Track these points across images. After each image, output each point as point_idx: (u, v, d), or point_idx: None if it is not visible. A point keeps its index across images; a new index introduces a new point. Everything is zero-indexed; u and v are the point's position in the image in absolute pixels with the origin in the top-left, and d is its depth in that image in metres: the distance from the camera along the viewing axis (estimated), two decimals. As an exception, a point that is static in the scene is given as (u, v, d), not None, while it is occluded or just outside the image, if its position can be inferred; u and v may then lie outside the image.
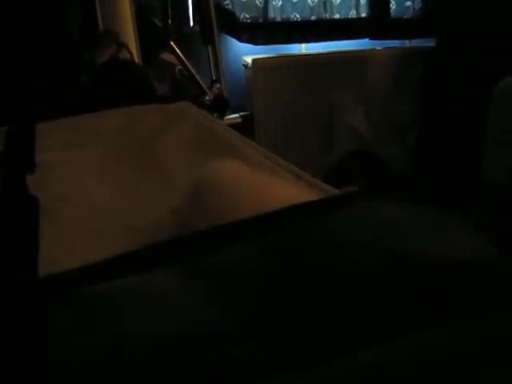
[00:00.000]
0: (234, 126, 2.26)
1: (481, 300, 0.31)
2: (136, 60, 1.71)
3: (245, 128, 2.33)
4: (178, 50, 2.02)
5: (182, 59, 2.03)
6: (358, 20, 2.57)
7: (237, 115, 2.31)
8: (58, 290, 0.35)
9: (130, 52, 1.66)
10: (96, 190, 0.72)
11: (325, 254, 0.35)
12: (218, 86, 2.15)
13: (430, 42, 2.53)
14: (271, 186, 0.55)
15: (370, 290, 0.32)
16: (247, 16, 2.36)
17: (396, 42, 2.72)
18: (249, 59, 2.40)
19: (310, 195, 0.53)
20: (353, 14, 2.56)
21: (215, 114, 2.21)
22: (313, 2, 2.46)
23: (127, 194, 0.71)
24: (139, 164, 0.81)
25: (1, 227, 0.51)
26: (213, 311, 0.34)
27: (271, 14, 2.39)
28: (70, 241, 0.55)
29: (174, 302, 0.36)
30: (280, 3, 2.39)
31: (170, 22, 2.12)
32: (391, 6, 2.65)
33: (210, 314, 0.34)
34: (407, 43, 2.79)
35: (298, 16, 2.44)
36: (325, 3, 2.48)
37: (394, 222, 0.39)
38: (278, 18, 2.41)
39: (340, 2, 2.52)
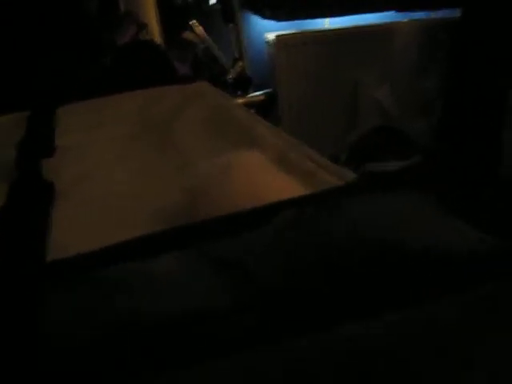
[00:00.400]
0: (257, 103, 2.27)
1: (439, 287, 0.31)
2: (157, 40, 1.71)
3: (269, 105, 2.33)
4: (199, 29, 2.02)
5: (203, 38, 2.03)
6: (383, -8, 2.52)
7: (260, 93, 2.30)
8: (63, 274, 0.36)
9: (150, 32, 1.67)
10: (113, 172, 0.73)
11: (309, 243, 0.36)
12: (241, 64, 2.15)
13: (456, 13, 2.47)
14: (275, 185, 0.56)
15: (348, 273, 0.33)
16: (269, -8, 2.34)
17: (422, 13, 2.67)
18: (272, 36, 2.38)
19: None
20: (377, -14, 2.51)
21: (239, 92, 2.22)
22: (336, -24, 2.41)
23: (144, 175, 0.72)
24: (156, 145, 0.82)
25: (13, 212, 0.53)
26: (214, 289, 0.35)
27: (293, -11, 2.36)
28: (84, 224, 0.56)
29: (177, 282, 0.37)
30: (302, -22, 2.36)
31: (190, 0, 2.12)
32: (417, -24, 2.59)
33: (211, 291, 0.35)
34: (433, 15, 2.73)
35: (320, -10, 2.40)
36: (348, -24, 2.44)
37: (374, 214, 0.39)
38: (301, -7, 2.38)
39: (364, -25, 2.48)
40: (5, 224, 0.51)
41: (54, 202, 0.59)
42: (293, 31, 2.41)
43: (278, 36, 2.36)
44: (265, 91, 2.33)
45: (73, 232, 0.52)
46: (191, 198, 0.62)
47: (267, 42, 2.41)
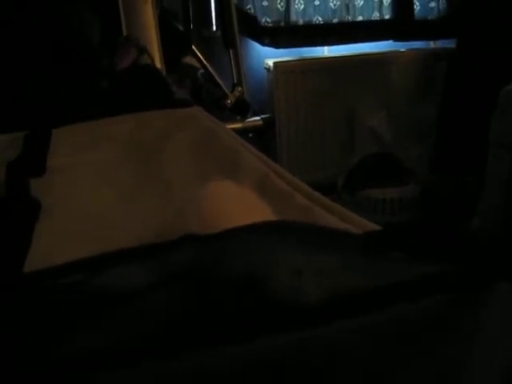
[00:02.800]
0: (255, 128, 2.30)
1: None
2: (158, 65, 1.75)
3: (266, 131, 2.36)
4: (199, 54, 2.07)
5: (203, 63, 2.08)
6: (381, 22, 2.58)
7: (258, 118, 2.34)
8: (36, 283, 0.39)
9: (151, 57, 1.70)
10: (97, 195, 0.76)
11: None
12: (240, 89, 2.19)
13: (453, 43, 2.52)
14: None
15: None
16: (269, 20, 2.40)
17: (420, 43, 2.72)
18: (271, 62, 2.43)
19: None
20: (376, 15, 2.57)
21: (237, 117, 2.25)
22: (335, 5, 2.48)
23: (125, 200, 0.75)
24: (141, 170, 0.85)
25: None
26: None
27: (293, 18, 2.42)
28: (63, 241, 0.59)
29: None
30: (302, 6, 2.42)
31: (191, 26, 2.17)
32: (415, 6, 2.64)
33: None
34: (431, 44, 2.78)
35: (320, 19, 2.46)
36: (347, 5, 2.50)
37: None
38: (300, 22, 2.44)
39: (363, 4, 2.54)
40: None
41: (38, 219, 0.62)
42: (291, 58, 2.46)
43: (276, 63, 2.41)
44: (263, 116, 2.37)
45: (55, 246, 0.55)
46: (172, 220, 0.65)
47: (266, 68, 2.46)
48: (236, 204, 0.63)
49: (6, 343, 0.34)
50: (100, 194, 0.75)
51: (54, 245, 0.57)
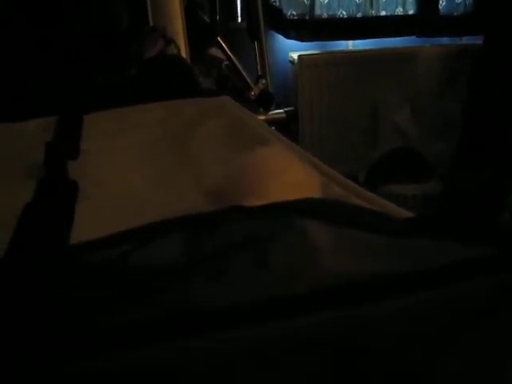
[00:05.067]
0: (278, 120, 2.31)
1: None
2: (183, 55, 1.76)
3: (289, 123, 2.36)
4: (225, 46, 2.07)
5: (228, 54, 2.08)
6: (405, 17, 2.56)
7: (281, 110, 2.34)
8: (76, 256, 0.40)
9: (177, 47, 1.71)
10: (132, 177, 0.77)
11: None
12: (264, 81, 2.19)
13: (480, 40, 2.49)
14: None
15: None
16: (294, 13, 2.39)
17: (445, 39, 2.70)
18: (295, 55, 2.43)
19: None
20: (399, 11, 2.55)
21: (260, 109, 2.26)
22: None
23: (161, 181, 0.76)
24: (175, 154, 0.86)
25: (40, 207, 0.57)
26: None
27: (318, 11, 2.41)
28: (102, 221, 0.60)
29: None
30: (326, 0, 2.41)
31: (217, 17, 2.18)
32: (441, 2, 2.62)
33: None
34: (457, 40, 2.76)
35: (344, 13, 2.45)
36: (371, 0, 2.49)
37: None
38: (325, 15, 2.43)
39: (386, -1, 2.53)
40: (33, 217, 0.56)
41: (77, 200, 0.63)
42: (316, 51, 2.46)
43: (300, 56, 2.41)
44: (286, 109, 2.37)
45: (93, 229, 0.56)
46: (211, 200, 0.66)
47: (290, 61, 2.46)
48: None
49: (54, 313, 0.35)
50: (135, 175, 0.76)
51: (94, 225, 0.58)
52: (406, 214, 0.63)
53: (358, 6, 2.47)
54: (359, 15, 2.48)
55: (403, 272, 0.37)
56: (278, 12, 2.38)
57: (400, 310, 0.35)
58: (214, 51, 2.10)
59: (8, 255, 0.47)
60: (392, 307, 0.35)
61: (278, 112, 2.32)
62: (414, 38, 2.62)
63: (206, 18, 2.08)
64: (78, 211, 0.61)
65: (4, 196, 0.71)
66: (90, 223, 0.57)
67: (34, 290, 0.35)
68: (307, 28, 2.41)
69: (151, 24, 1.74)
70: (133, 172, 0.79)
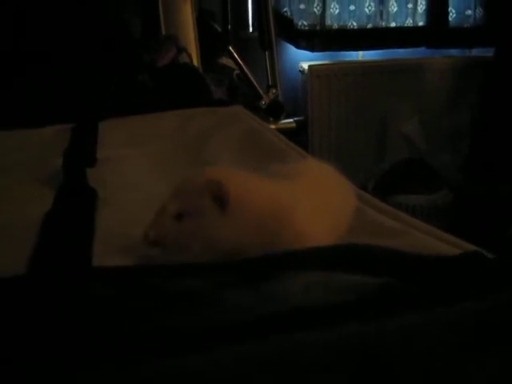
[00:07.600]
0: (288, 130, 2.31)
1: None
2: (195, 64, 1.78)
3: (299, 133, 2.37)
4: (236, 55, 2.08)
5: (239, 64, 2.09)
6: (415, 28, 2.57)
7: (291, 120, 2.35)
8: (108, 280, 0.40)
9: (189, 56, 1.73)
10: (149, 184, 0.78)
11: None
12: (274, 91, 2.20)
13: (490, 52, 2.50)
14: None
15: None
16: (305, 23, 2.40)
17: (455, 50, 2.70)
18: (305, 65, 2.44)
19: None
20: (409, 22, 2.57)
21: (270, 119, 2.27)
22: (370, 11, 2.48)
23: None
24: (190, 162, 0.87)
25: (61, 214, 0.57)
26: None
27: (328, 22, 2.42)
28: (123, 227, 0.61)
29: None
30: (337, 11, 2.42)
31: (229, 27, 2.19)
32: (451, 14, 2.63)
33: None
34: (467, 52, 2.76)
35: (354, 24, 2.46)
36: (381, 12, 2.50)
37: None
38: (335, 26, 2.44)
39: (396, 11, 2.53)
40: (54, 227, 0.56)
41: (97, 208, 0.64)
42: (326, 62, 2.47)
43: (311, 66, 2.42)
44: (296, 118, 2.38)
45: (116, 234, 0.57)
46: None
47: (301, 71, 2.47)
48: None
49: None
50: (152, 183, 0.77)
51: (115, 233, 0.59)
52: (420, 223, 0.64)
53: (369, 17, 2.49)
54: (369, 26, 2.49)
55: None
56: (289, 22, 2.39)
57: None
58: (225, 60, 2.11)
59: (32, 270, 0.47)
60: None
61: (288, 121, 2.33)
62: (423, 49, 2.63)
63: (218, 27, 2.09)
64: (99, 219, 0.62)
65: (23, 202, 0.72)
66: (111, 232, 0.58)
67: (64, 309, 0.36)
68: (318, 38, 2.42)
69: (163, 32, 1.76)
70: (150, 180, 0.80)
